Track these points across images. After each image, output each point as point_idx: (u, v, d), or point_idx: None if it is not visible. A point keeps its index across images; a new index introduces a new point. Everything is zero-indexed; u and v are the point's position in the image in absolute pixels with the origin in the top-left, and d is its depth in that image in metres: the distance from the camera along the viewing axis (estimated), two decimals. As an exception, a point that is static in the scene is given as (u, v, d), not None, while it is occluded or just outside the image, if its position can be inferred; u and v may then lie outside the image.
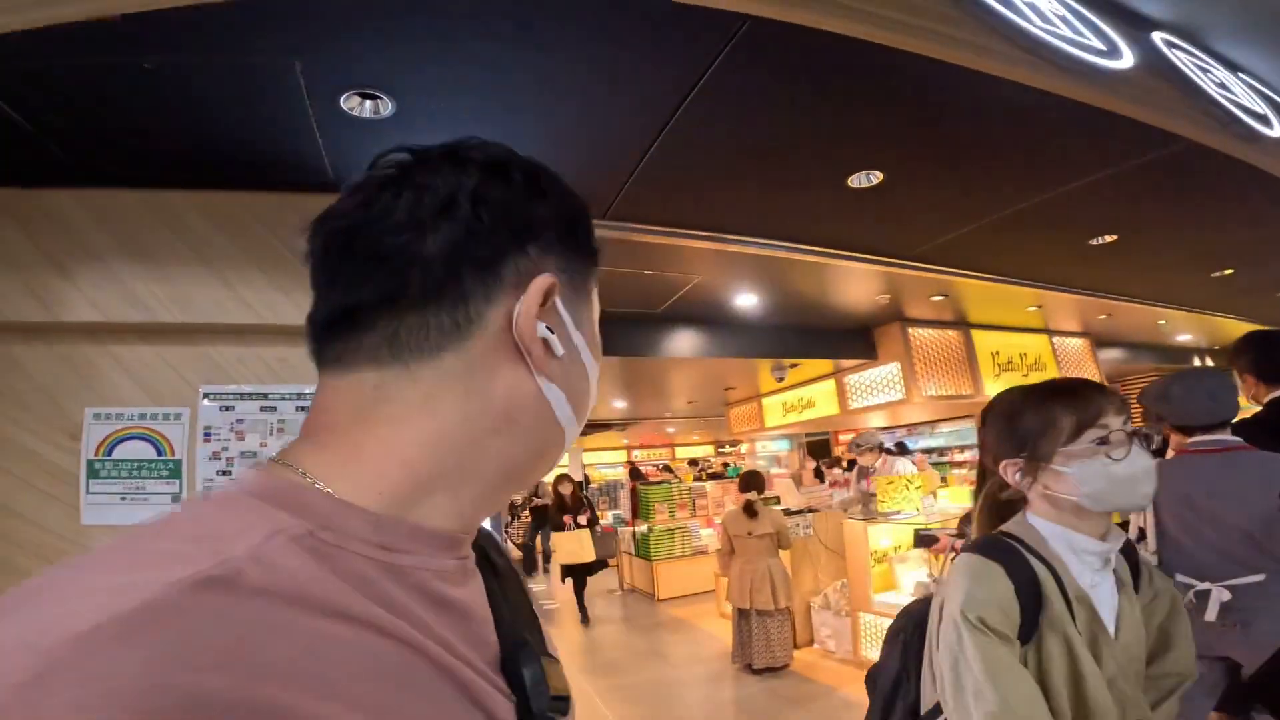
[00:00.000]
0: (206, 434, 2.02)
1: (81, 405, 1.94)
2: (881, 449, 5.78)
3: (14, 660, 0.24)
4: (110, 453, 1.94)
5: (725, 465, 11.87)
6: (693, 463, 12.19)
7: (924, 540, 4.26)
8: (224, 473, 2.00)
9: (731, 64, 1.78)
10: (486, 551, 0.53)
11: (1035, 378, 5.19)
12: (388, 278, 0.42)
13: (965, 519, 2.56)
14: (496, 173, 0.46)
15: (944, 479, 5.38)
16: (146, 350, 2.00)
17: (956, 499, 4.52)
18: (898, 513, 4.65)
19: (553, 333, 0.45)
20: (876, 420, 6.63)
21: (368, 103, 1.81)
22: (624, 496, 8.16)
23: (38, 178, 1.94)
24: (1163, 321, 5.63)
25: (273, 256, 2.05)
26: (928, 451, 8.52)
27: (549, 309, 0.45)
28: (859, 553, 4.39)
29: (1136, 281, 4.36)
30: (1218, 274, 4.19)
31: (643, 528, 6.69)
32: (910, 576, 4.45)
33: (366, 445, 0.41)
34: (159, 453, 1.97)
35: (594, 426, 9.84)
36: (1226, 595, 1.86)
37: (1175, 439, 2.13)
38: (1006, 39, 1.93)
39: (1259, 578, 1.83)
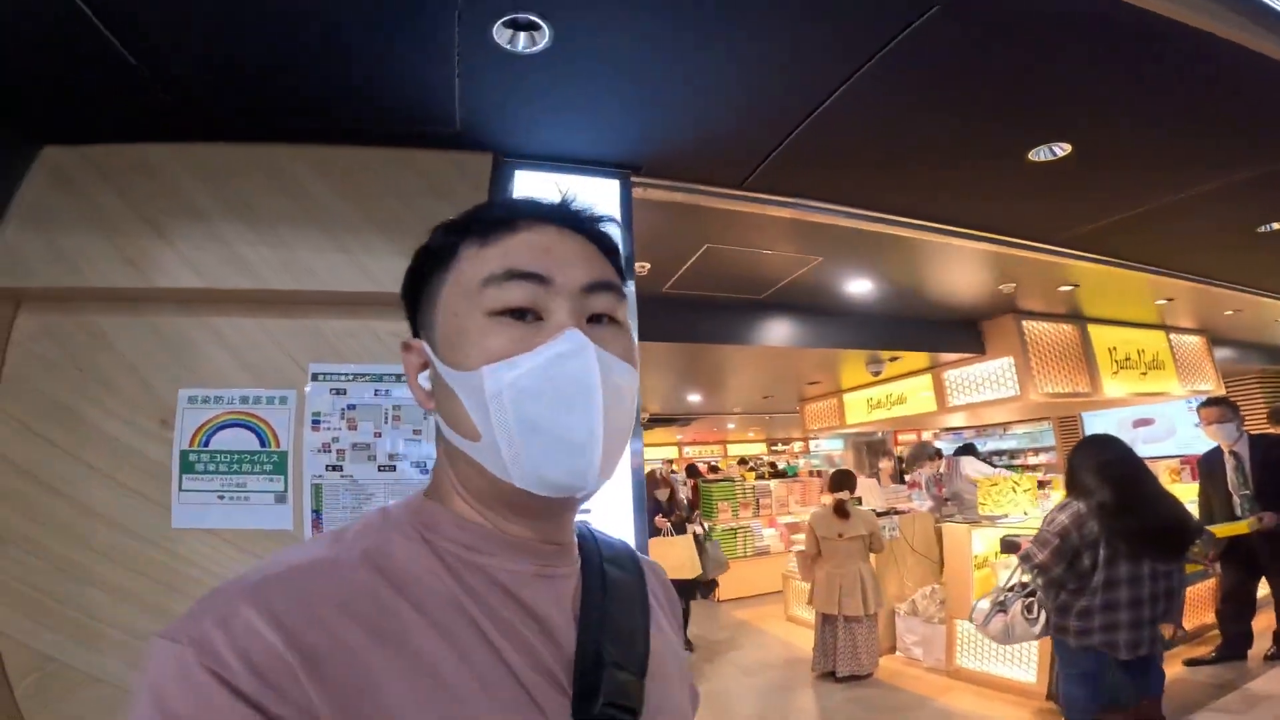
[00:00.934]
0: (315, 421, 1.72)
1: (174, 386, 1.66)
2: (940, 456, 5.42)
3: (235, 584, 0.44)
4: (207, 442, 1.66)
5: (773, 465, 11.50)
6: (742, 461, 11.84)
7: (1009, 546, 3.95)
8: (334, 468, 1.71)
9: (928, 28, 1.49)
10: (605, 566, 0.59)
11: (1154, 376, 4.78)
12: None
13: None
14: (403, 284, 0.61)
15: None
16: (248, 323, 1.71)
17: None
18: (1004, 516, 4.29)
19: (420, 381, 0.58)
20: (956, 420, 6.22)
21: (521, 34, 1.49)
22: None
23: (132, 131, 1.65)
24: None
25: (393, 218, 1.74)
26: (998, 454, 8.10)
27: (420, 362, 0.57)
28: (959, 558, 4.04)
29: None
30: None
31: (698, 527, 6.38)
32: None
33: (435, 478, 0.57)
34: (262, 442, 1.68)
35: (656, 421, 9.53)
36: None
37: None
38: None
39: None
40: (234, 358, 1.69)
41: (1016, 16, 1.51)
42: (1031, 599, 2.85)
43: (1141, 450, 2.97)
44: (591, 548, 0.61)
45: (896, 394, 5.07)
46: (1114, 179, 2.39)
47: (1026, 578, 2.82)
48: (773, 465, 11.45)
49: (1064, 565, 2.65)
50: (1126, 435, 6.73)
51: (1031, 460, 8.35)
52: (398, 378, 1.77)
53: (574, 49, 1.53)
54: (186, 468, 1.64)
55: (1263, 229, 2.97)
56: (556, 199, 0.57)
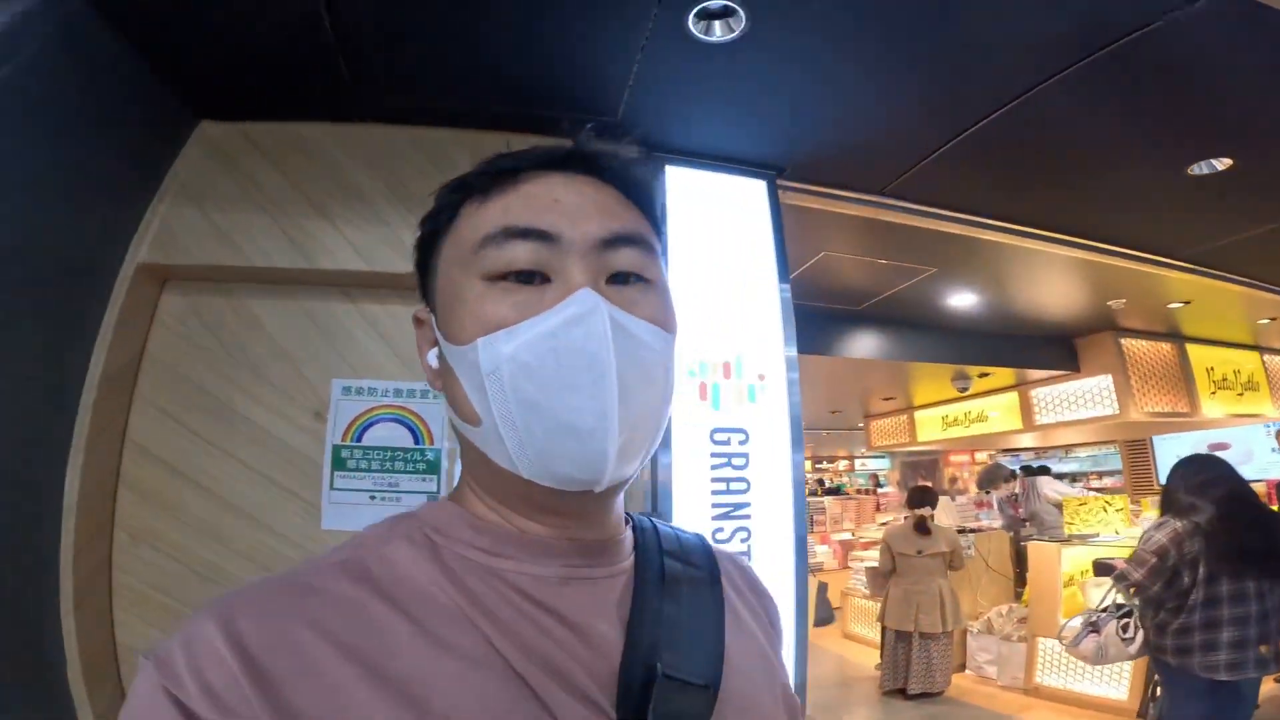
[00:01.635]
0: (469, 419, 1.62)
1: (328, 375, 1.57)
2: (1016, 475, 5.25)
3: (213, 601, 0.39)
4: (360, 437, 1.56)
5: (820, 481, 11.26)
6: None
7: (1103, 569, 3.86)
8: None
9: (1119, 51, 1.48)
10: (665, 560, 0.50)
11: (1250, 398, 4.56)
12: None
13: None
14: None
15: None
16: (404, 311, 1.62)
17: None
18: (1095, 535, 4.12)
19: (427, 358, 0.49)
20: (1069, 436, 6.01)
21: (716, 23, 1.40)
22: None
23: (286, 108, 1.58)
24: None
25: None
26: (1058, 477, 7.85)
27: (432, 337, 0.48)
28: (1046, 576, 3.93)
29: None
30: None
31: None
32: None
33: (461, 476, 0.51)
34: (416, 439, 1.59)
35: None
36: None
37: None
38: None
39: None
40: (388, 348, 1.60)
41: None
42: (1127, 619, 2.76)
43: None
44: (650, 541, 0.51)
45: (977, 411, 4.88)
46: (1265, 195, 2.25)
47: (1121, 598, 2.74)
48: (820, 482, 11.21)
49: (1162, 583, 2.59)
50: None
51: (1094, 484, 8.09)
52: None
53: (763, 41, 1.45)
54: (339, 463, 1.54)
55: None
56: (563, 146, 0.48)
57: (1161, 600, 2.63)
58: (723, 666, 0.46)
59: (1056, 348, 4.20)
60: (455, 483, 0.52)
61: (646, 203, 0.50)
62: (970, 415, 4.87)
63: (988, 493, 5.31)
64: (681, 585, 0.50)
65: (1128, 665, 3.43)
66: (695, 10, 1.36)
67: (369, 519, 1.38)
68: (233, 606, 0.38)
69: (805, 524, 1.75)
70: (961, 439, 5.23)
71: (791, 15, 1.38)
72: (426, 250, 0.50)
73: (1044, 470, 5.33)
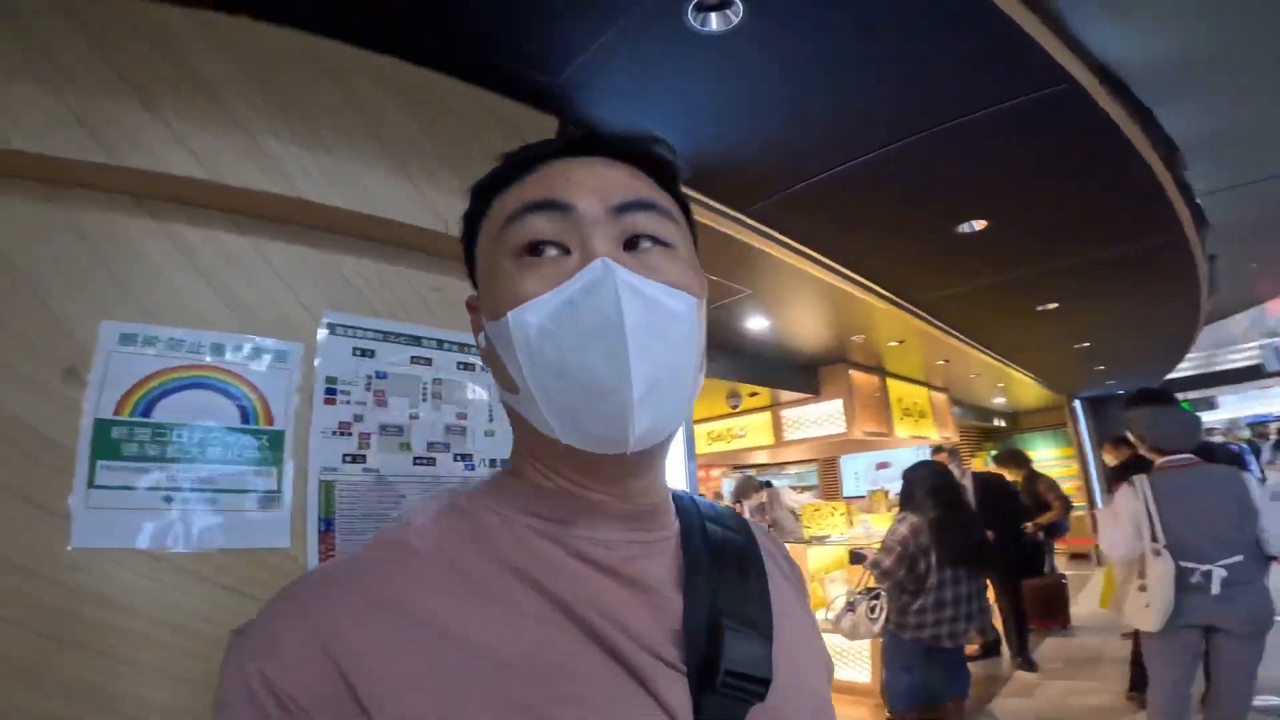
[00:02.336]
0: (330, 391, 1.20)
1: (95, 316, 1.01)
2: (764, 487, 6.07)
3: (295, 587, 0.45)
4: (147, 410, 1.04)
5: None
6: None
7: (857, 558, 4.58)
8: (354, 458, 1.20)
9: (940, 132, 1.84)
10: (706, 526, 0.54)
11: (922, 422, 5.90)
12: None
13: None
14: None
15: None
16: (239, 243, 1.14)
17: (879, 523, 4.86)
18: (827, 536, 4.83)
19: (480, 340, 0.53)
20: (760, 457, 6.89)
21: (713, 15, 1.34)
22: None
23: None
24: (1000, 384, 6.84)
25: (467, 162, 1.36)
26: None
27: (481, 320, 0.52)
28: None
29: (1028, 350, 5.25)
30: (1079, 345, 5.22)
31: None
32: (837, 592, 4.70)
33: (513, 449, 0.55)
34: (245, 416, 1.11)
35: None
36: (1224, 573, 2.46)
37: (1150, 454, 2.81)
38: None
39: (1239, 558, 2.45)
40: (210, 287, 1.10)
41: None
42: (875, 601, 3.25)
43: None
44: (690, 509, 0.57)
45: (737, 428, 5.44)
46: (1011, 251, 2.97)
47: (873, 582, 3.20)
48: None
49: (905, 569, 3.09)
50: (870, 475, 8.21)
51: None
52: (440, 343, 1.34)
53: (762, 26, 1.40)
54: (106, 449, 1.00)
55: (1039, 307, 3.93)
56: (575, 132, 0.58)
57: (904, 584, 3.13)
58: (772, 617, 0.50)
59: (806, 374, 4.93)
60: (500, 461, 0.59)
61: (661, 176, 0.53)
62: (731, 431, 5.41)
63: (740, 503, 5.93)
64: (725, 548, 0.53)
65: (867, 653, 3.98)
66: (694, 3, 1.30)
67: (161, 533, 0.91)
68: (313, 594, 0.42)
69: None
70: (722, 453, 5.77)
71: (785, 8, 1.36)
72: (469, 245, 0.55)
73: (767, 484, 6.22)
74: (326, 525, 1.15)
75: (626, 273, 0.44)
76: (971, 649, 4.53)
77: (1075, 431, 8.52)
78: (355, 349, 1.24)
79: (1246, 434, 7.91)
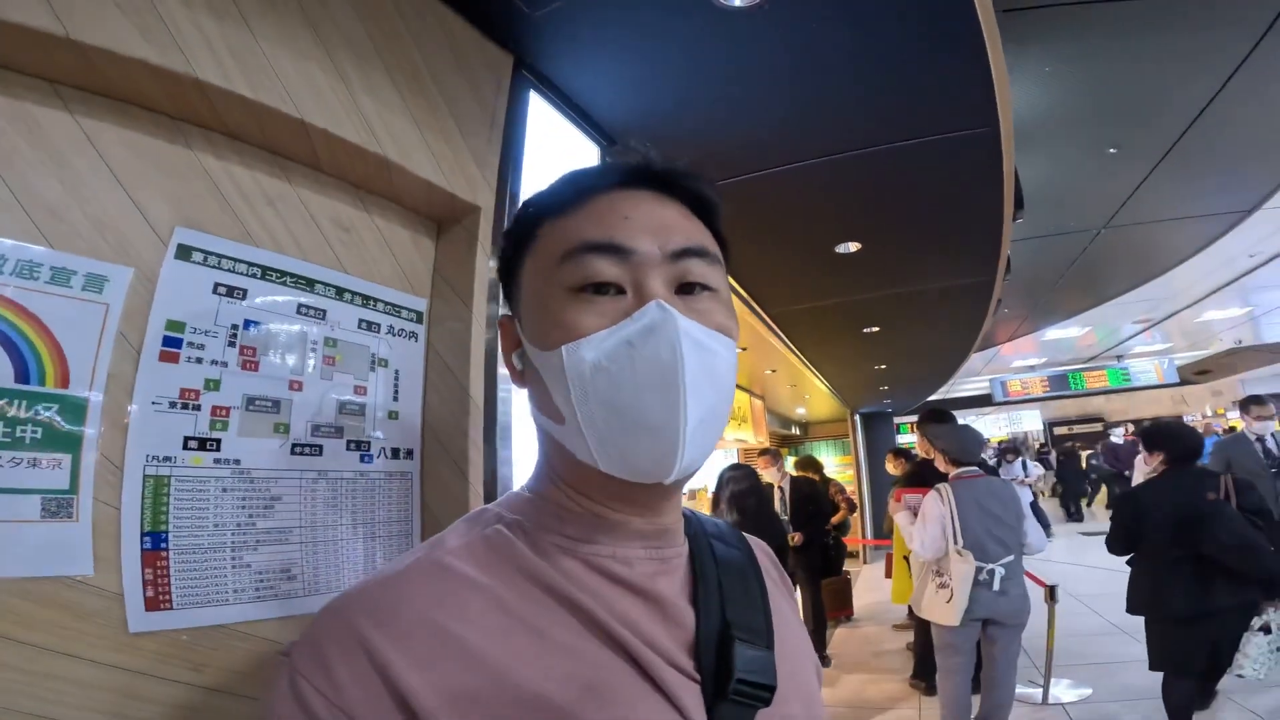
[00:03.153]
0: (172, 340, 0.81)
1: None
2: None
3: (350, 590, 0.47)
4: None
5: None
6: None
7: None
8: (204, 443, 0.83)
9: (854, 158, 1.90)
10: (712, 544, 0.58)
11: (743, 426, 6.28)
12: None
13: None
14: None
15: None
16: (55, 120, 0.71)
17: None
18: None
19: (513, 360, 0.55)
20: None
21: None
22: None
23: None
24: (807, 396, 7.55)
25: (413, 73, 1.06)
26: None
27: (515, 340, 0.55)
28: None
29: (842, 367, 5.80)
30: (879, 367, 5.92)
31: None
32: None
33: (538, 467, 0.56)
34: (24, 372, 0.69)
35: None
36: (1002, 571, 2.87)
37: (946, 466, 3.18)
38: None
39: (1012, 557, 2.90)
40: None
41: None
42: None
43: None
44: (698, 527, 0.60)
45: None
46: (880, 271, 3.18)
47: None
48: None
49: None
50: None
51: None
52: (340, 292, 1.01)
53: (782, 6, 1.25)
54: None
55: (866, 330, 4.37)
56: (635, 159, 0.54)
57: None
58: (772, 627, 0.53)
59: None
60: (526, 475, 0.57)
61: (709, 217, 0.55)
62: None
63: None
64: (731, 564, 0.57)
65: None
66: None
67: None
68: (342, 612, 0.44)
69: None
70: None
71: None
72: (510, 265, 0.55)
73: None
74: (155, 541, 0.77)
75: (685, 320, 0.46)
76: None
77: (854, 442, 9.80)
78: (218, 285, 0.86)
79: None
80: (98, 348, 0.75)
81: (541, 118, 1.43)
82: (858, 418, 9.93)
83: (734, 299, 3.13)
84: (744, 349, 4.69)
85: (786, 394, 7.36)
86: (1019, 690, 3.47)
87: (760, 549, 0.65)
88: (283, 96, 0.84)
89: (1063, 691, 3.57)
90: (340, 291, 1.01)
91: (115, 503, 0.75)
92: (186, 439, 0.82)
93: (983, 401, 11.12)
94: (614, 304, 0.47)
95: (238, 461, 0.86)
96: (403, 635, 0.42)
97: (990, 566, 2.85)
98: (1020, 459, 7.97)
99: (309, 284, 0.97)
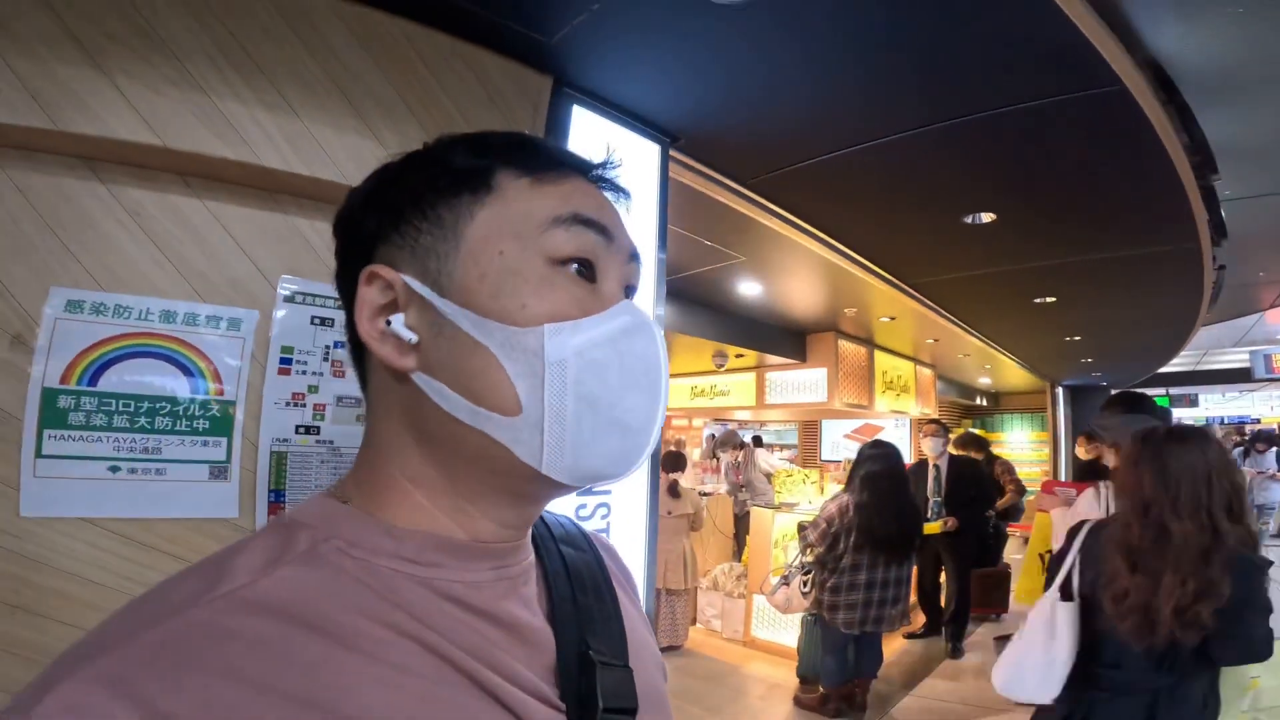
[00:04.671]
0: (285, 360, 1.17)
1: (43, 282, 0.97)
2: (744, 445, 6.12)
3: (85, 643, 0.34)
4: (94, 379, 1.01)
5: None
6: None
7: (801, 530, 4.61)
8: (308, 429, 1.18)
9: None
10: (561, 550, 0.53)
11: (903, 396, 5.94)
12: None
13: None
14: (349, 202, 0.49)
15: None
16: (189, 205, 1.08)
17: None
18: (796, 503, 4.93)
19: (388, 324, 0.43)
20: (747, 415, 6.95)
21: None
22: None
23: None
24: (988, 366, 6.87)
25: (445, 120, 1.28)
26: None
27: (403, 296, 0.43)
28: (762, 538, 4.54)
29: (1020, 339, 5.22)
30: (1070, 338, 5.20)
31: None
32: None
33: (364, 471, 0.46)
34: (194, 386, 1.08)
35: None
36: None
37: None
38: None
39: None
40: (158, 252, 1.05)
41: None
42: (808, 575, 3.30)
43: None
44: (542, 531, 0.54)
45: (719, 386, 5.46)
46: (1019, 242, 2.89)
47: (808, 557, 3.27)
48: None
49: (826, 547, 3.14)
50: (841, 442, 8.28)
51: (776, 453, 9.92)
52: (406, 316, 1.30)
53: (775, 8, 1.30)
54: (54, 419, 0.98)
55: (1036, 300, 3.89)
56: (595, 156, 0.50)
57: (824, 561, 3.17)
58: (627, 639, 0.51)
59: (794, 340, 4.91)
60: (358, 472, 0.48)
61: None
62: (715, 389, 5.43)
63: (717, 455, 6.02)
64: (583, 573, 0.53)
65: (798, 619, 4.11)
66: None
67: (109, 500, 0.90)
68: (125, 662, 0.32)
69: (657, 494, 1.71)
70: (705, 409, 5.82)
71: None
72: (414, 198, 0.45)
73: (758, 441, 6.26)
74: (277, 496, 1.15)
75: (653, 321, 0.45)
76: (914, 627, 4.66)
77: (1053, 417, 8.64)
78: (314, 318, 1.20)
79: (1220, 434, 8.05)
80: (239, 367, 1.13)
81: (591, 129, 1.59)
82: (1060, 390, 8.70)
83: (873, 274, 3.09)
84: (892, 318, 4.44)
85: (962, 364, 6.73)
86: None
87: (603, 547, 0.61)
88: (332, 168, 1.13)
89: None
90: (408, 314, 1.31)
91: (253, 469, 1.13)
92: (297, 426, 1.18)
93: (1239, 376, 9.00)
94: (585, 290, 0.44)
95: (331, 442, 1.21)
96: (206, 701, 0.31)
97: None
98: (1275, 449, 6.36)
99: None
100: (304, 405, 1.19)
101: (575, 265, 0.44)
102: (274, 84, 1.08)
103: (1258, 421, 11.02)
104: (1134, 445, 1.53)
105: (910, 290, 3.64)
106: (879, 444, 3.47)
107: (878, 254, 3.07)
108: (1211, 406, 12.20)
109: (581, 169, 0.48)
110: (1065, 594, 1.59)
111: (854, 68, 1.55)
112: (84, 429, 1.00)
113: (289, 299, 1.18)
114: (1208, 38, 1.88)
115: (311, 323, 1.20)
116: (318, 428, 1.20)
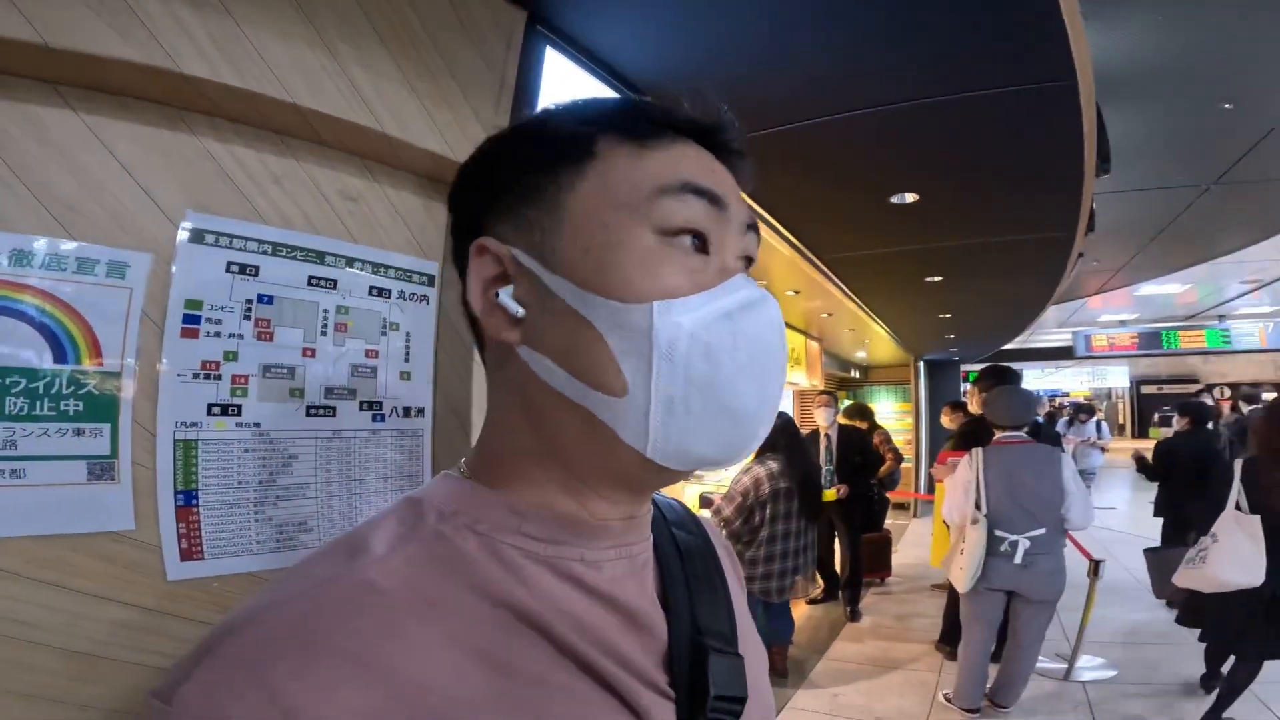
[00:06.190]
0: (191, 319, 0.89)
1: None
2: None
3: (231, 618, 0.35)
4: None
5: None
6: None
7: (706, 502, 4.73)
8: (226, 409, 0.91)
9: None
10: (674, 533, 0.52)
11: (796, 368, 6.20)
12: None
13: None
14: (459, 175, 0.49)
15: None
16: (60, 118, 0.76)
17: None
18: (703, 475, 5.01)
19: (497, 297, 0.43)
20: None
21: None
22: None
23: None
24: (866, 340, 7.36)
25: (410, 43, 1.04)
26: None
27: (512, 269, 0.43)
28: None
29: (902, 314, 5.59)
30: (943, 315, 5.66)
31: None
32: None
33: (487, 447, 0.46)
34: (60, 354, 0.78)
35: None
36: (1028, 544, 2.75)
37: (994, 429, 3.09)
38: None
39: (1043, 530, 2.76)
40: (11, 174, 0.73)
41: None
42: None
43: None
44: (658, 515, 0.53)
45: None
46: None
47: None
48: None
49: (742, 520, 3.21)
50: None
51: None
52: (349, 261, 1.05)
53: None
54: None
55: (928, 279, 4.15)
56: (713, 118, 0.47)
57: (739, 534, 3.22)
58: (738, 627, 0.50)
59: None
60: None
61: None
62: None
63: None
64: (695, 557, 0.51)
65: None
66: None
67: None
68: (260, 642, 0.33)
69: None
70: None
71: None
72: (518, 170, 0.44)
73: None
74: (187, 498, 0.88)
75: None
76: (815, 593, 4.84)
77: (916, 389, 9.52)
78: (231, 264, 0.92)
79: (1046, 407, 9.32)
80: (125, 328, 0.83)
81: (562, 75, 1.40)
82: (921, 364, 9.59)
83: (782, 242, 3.11)
84: (797, 292, 4.57)
85: (845, 338, 7.17)
86: (1045, 665, 3.45)
87: (713, 531, 0.59)
88: (272, 81, 0.86)
89: (1089, 670, 3.51)
90: (350, 261, 1.06)
91: (151, 465, 0.85)
92: (210, 406, 0.91)
93: (1063, 354, 10.45)
94: (699, 263, 0.41)
95: (258, 424, 0.95)
96: (329, 687, 0.32)
97: (1014, 538, 2.75)
98: (1094, 419, 7.49)
99: (319, 256, 1.02)
100: (218, 377, 0.91)
101: (689, 237, 0.41)
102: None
103: (1067, 395, 12.95)
104: (1266, 416, 2.69)
105: (822, 265, 3.73)
106: (780, 413, 3.59)
107: (800, 229, 3.09)
108: (1031, 381, 14.15)
109: (694, 133, 0.45)
110: (1252, 509, 2.47)
111: (810, 43, 1.48)
112: (-115, 413, 0.68)
113: (195, 239, 0.89)
114: (1121, 38, 2.01)
115: (228, 270, 0.92)
116: (238, 406, 0.93)
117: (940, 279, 4.19)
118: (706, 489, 4.91)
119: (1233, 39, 1.83)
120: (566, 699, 0.38)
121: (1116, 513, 7.82)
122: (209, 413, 0.90)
